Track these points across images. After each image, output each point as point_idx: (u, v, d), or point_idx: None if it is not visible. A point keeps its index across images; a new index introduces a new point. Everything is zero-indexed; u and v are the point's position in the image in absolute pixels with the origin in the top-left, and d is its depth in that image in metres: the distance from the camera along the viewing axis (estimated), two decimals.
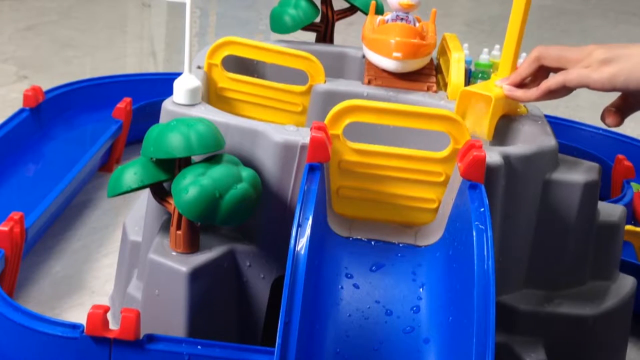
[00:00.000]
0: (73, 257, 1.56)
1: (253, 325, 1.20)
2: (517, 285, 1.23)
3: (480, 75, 1.39)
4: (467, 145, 1.06)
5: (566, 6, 3.89)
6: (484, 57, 1.42)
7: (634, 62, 1.07)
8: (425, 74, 1.40)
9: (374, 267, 1.05)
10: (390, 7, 1.41)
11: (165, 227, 1.20)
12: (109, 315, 1.13)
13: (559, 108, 2.56)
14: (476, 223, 0.96)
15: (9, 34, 2.85)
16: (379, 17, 1.44)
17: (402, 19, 1.40)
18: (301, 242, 0.93)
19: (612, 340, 1.28)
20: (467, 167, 1.04)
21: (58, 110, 1.94)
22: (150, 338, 1.10)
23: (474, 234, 0.95)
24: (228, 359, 1.09)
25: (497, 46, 1.39)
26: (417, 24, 1.41)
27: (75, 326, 1.11)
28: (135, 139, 1.93)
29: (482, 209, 0.98)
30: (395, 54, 1.34)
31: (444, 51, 1.47)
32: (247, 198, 1.11)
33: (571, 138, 2.04)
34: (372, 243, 1.09)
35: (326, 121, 1.08)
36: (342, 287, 1.02)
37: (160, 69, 2.72)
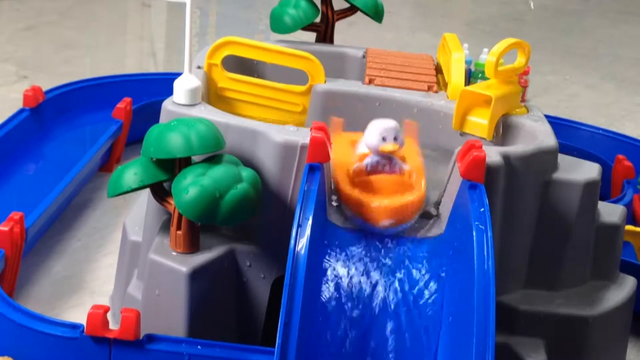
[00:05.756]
0: (73, 257, 1.56)
1: (253, 325, 1.20)
2: (517, 285, 1.23)
3: (480, 75, 1.39)
4: (467, 145, 1.06)
5: (566, 6, 3.89)
6: (484, 57, 1.41)
7: None
8: (425, 74, 1.40)
9: (374, 266, 1.05)
10: (368, 148, 1.11)
11: (165, 227, 1.20)
12: (109, 315, 1.13)
13: (559, 108, 2.55)
14: (476, 223, 0.96)
15: (9, 34, 2.85)
16: (357, 153, 1.13)
17: (383, 165, 1.11)
18: (301, 242, 0.93)
19: (612, 340, 1.27)
20: (467, 167, 1.04)
21: (58, 110, 1.94)
22: (150, 338, 1.10)
23: (474, 234, 0.95)
24: (228, 359, 1.09)
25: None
26: (404, 167, 1.12)
27: (75, 326, 1.11)
28: (135, 139, 1.93)
29: (482, 209, 0.98)
30: (384, 222, 1.07)
31: (444, 51, 1.47)
32: (248, 198, 1.11)
33: (571, 138, 2.04)
34: (372, 242, 1.09)
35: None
36: (342, 286, 1.01)
37: (160, 69, 2.72)
